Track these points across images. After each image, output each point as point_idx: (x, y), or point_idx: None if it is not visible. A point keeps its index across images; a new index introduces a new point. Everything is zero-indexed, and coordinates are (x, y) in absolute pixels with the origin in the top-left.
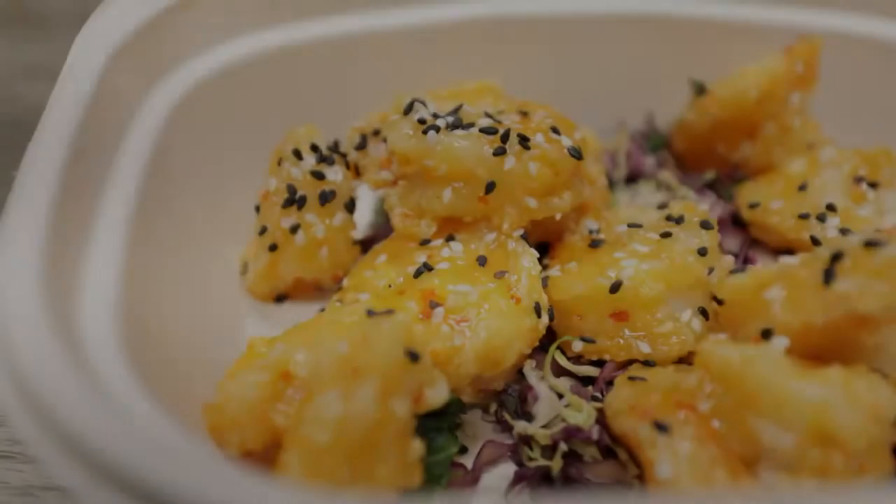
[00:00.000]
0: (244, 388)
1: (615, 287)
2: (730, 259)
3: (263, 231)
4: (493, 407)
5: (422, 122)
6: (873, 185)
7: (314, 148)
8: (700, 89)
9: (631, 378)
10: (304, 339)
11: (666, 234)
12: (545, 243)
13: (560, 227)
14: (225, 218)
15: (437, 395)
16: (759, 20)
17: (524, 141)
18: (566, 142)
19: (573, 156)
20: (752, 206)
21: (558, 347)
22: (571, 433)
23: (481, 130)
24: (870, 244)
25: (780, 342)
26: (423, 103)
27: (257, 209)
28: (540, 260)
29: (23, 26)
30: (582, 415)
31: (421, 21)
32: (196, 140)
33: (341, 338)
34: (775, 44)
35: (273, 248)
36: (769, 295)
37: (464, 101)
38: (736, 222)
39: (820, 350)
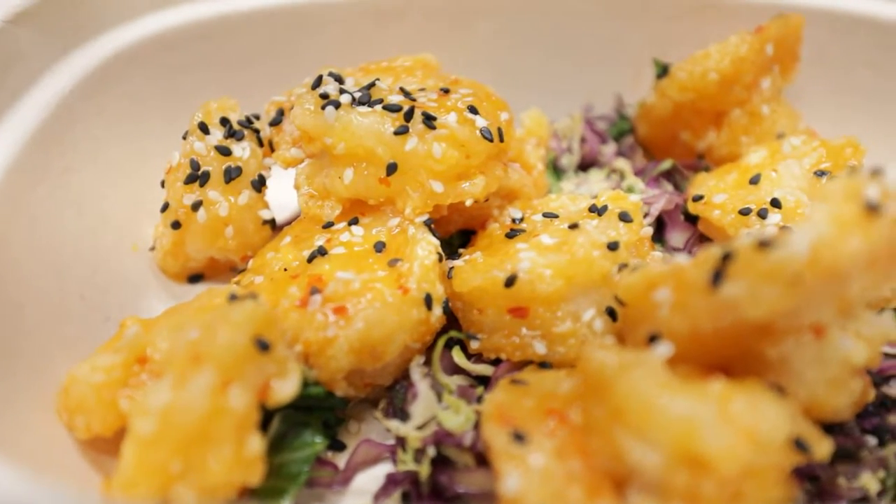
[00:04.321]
0: (92, 371)
1: (510, 281)
2: (657, 255)
3: (166, 207)
4: (383, 403)
5: (324, 97)
6: None
7: (224, 122)
8: (663, 70)
9: (513, 381)
10: (170, 321)
11: (573, 226)
12: (471, 231)
13: (485, 213)
14: (143, 192)
15: (285, 389)
16: None
17: (429, 120)
18: (480, 122)
19: (486, 138)
20: (696, 198)
21: (459, 343)
22: (442, 438)
23: (384, 107)
24: (762, 244)
25: (662, 349)
26: (338, 77)
27: (162, 184)
28: (462, 247)
29: None
30: (459, 418)
31: None
32: (113, 110)
33: (198, 323)
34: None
35: (176, 225)
36: (658, 297)
37: (392, 76)
38: (690, 216)
39: (721, 360)
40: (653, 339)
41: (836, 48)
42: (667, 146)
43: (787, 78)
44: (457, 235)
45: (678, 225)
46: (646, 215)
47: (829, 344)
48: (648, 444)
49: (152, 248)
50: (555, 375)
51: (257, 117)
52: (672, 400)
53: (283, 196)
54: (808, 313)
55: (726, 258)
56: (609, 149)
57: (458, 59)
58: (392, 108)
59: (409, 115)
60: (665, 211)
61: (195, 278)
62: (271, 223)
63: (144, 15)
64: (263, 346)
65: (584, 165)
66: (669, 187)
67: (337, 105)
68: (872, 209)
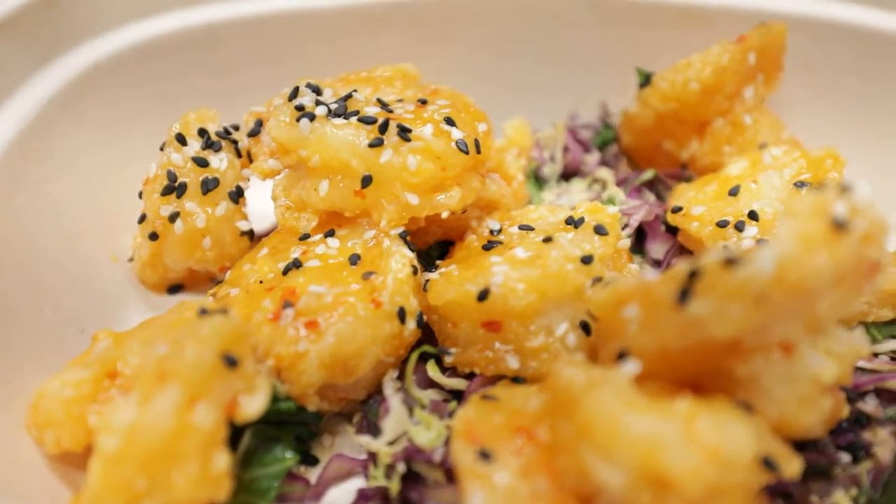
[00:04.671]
0: (61, 385)
1: (483, 294)
2: (634, 268)
3: (143, 219)
4: (357, 417)
5: (299, 108)
6: None
7: (202, 133)
8: (646, 79)
9: (484, 397)
10: (141, 336)
11: (547, 240)
12: (450, 242)
13: (463, 225)
14: (124, 201)
15: (253, 405)
16: (731, 4)
17: (404, 132)
18: (457, 134)
19: (461, 150)
20: (675, 210)
21: (434, 356)
22: (412, 454)
23: (360, 119)
24: (729, 262)
25: (629, 367)
26: (315, 88)
27: (140, 195)
28: (441, 258)
29: None
30: (430, 434)
31: (359, 1)
32: (94, 119)
33: (167, 338)
34: (743, 27)
35: (153, 236)
36: (627, 313)
37: (372, 86)
38: (671, 227)
39: (691, 377)
40: (622, 355)
41: (821, 56)
42: (650, 155)
43: (771, 87)
44: (435, 247)
45: (658, 236)
46: (625, 226)
47: (798, 361)
48: (613, 463)
49: (131, 259)
50: (526, 391)
51: (236, 128)
52: (636, 419)
53: (263, 205)
54: (776, 331)
55: (693, 275)
56: (592, 158)
57: (443, 66)
58: (367, 121)
59: (383, 128)
60: (645, 222)
61: (175, 289)
62: (249, 234)
63: (128, 23)
64: (231, 361)
65: (567, 175)
66: (651, 197)
67: (312, 117)
68: (840, 226)
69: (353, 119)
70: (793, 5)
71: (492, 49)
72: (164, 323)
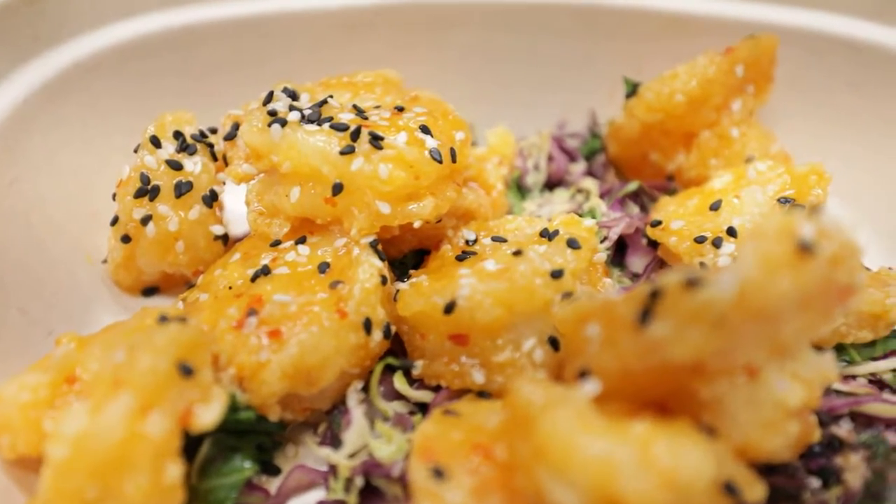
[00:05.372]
0: (19, 389)
1: (449, 307)
2: (609, 282)
3: (115, 221)
4: (322, 427)
5: (272, 114)
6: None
7: (177, 135)
8: (632, 89)
9: (446, 412)
10: (102, 341)
11: (517, 253)
12: (426, 251)
13: (439, 234)
14: (100, 202)
15: (208, 415)
16: (722, 13)
17: (376, 140)
18: (431, 143)
19: (435, 159)
20: (654, 224)
21: (401, 368)
22: (371, 467)
23: (332, 126)
24: (690, 283)
25: (589, 387)
26: (291, 93)
27: (114, 197)
28: (416, 267)
29: None
30: (390, 448)
31: (344, 4)
32: (71, 119)
33: (125, 344)
34: (737, 38)
35: (126, 239)
36: (589, 332)
37: (351, 91)
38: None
39: (656, 396)
40: (583, 374)
41: (813, 68)
42: (637, 166)
43: (761, 99)
44: (411, 255)
45: (639, 249)
46: (604, 239)
47: (763, 386)
48: (568, 485)
49: (105, 261)
50: (489, 407)
51: (214, 130)
52: (592, 441)
53: (242, 208)
54: (740, 354)
55: (655, 296)
56: (578, 168)
57: (428, 72)
58: (339, 128)
59: (355, 135)
60: (626, 235)
61: (149, 291)
62: (223, 238)
63: (109, 24)
64: (187, 370)
65: (552, 184)
66: (635, 209)
67: (283, 123)
68: (806, 249)
69: (326, 126)
70: (785, 16)
71: (479, 56)
72: (126, 328)
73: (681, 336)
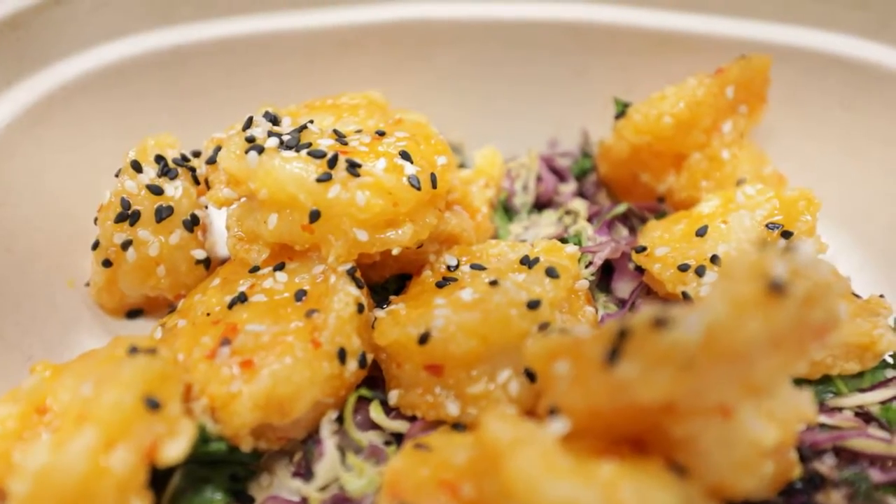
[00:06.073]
0: None
1: (424, 338)
2: (590, 311)
3: (97, 245)
4: (298, 456)
5: (250, 140)
6: (787, 235)
7: (158, 159)
8: (622, 110)
9: (417, 445)
10: (74, 371)
11: (493, 282)
12: (409, 276)
13: (422, 259)
14: (84, 226)
15: (174, 449)
16: (716, 31)
17: (353, 167)
18: (410, 169)
19: (413, 186)
20: (639, 250)
21: (373, 400)
22: (339, 501)
23: (309, 153)
24: (658, 323)
25: (557, 426)
26: (273, 118)
27: (95, 221)
28: (398, 293)
29: None
30: (361, 481)
31: (332, 24)
32: (56, 142)
33: (94, 376)
34: (732, 56)
35: (107, 263)
36: (558, 369)
37: (335, 114)
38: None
39: (629, 434)
40: (553, 411)
41: (809, 88)
42: (628, 187)
43: (754, 120)
44: (393, 280)
45: (626, 274)
46: (589, 264)
47: (737, 425)
48: None
49: (87, 284)
50: (461, 441)
51: (198, 154)
52: (557, 484)
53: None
54: (711, 395)
55: (623, 335)
56: (568, 188)
57: (419, 91)
58: (317, 154)
59: (332, 162)
60: (613, 259)
61: (134, 313)
62: (205, 262)
63: (95, 46)
64: (153, 404)
65: (541, 205)
66: (624, 232)
67: (260, 150)
68: (777, 289)
69: (304, 152)
70: (780, 35)
71: (470, 74)
72: (98, 358)
73: (649, 377)
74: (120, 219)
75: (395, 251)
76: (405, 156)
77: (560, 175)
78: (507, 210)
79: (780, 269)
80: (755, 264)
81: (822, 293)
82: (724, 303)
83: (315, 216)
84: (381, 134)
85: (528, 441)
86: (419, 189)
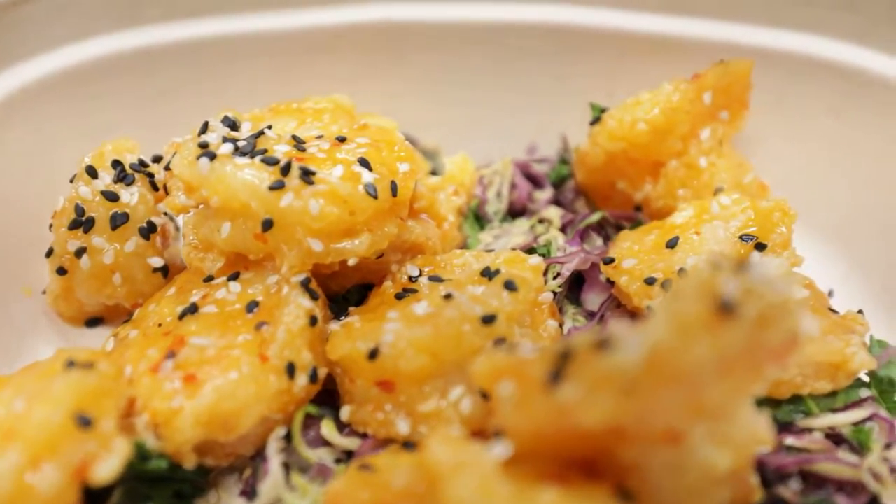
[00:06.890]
0: None
1: (373, 353)
2: (552, 325)
3: (50, 252)
4: (247, 473)
5: (203, 146)
6: (761, 247)
7: (115, 164)
8: (598, 115)
9: (362, 466)
10: (16, 384)
11: (447, 296)
12: (371, 286)
13: (384, 269)
14: (43, 232)
15: (106, 468)
16: (701, 35)
17: (307, 175)
18: (367, 177)
19: (370, 194)
20: (607, 261)
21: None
22: None
23: (263, 160)
24: (600, 345)
25: (498, 449)
26: (231, 123)
27: (50, 228)
28: (359, 303)
29: None
30: (304, 502)
31: (304, 26)
32: (15, 146)
33: (28, 391)
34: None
35: (61, 271)
36: (503, 389)
37: (298, 118)
38: None
39: (579, 458)
40: (498, 433)
41: (794, 94)
42: (606, 194)
43: (735, 126)
44: (354, 290)
45: (596, 285)
46: (557, 275)
47: (687, 451)
48: None
49: (44, 292)
50: (407, 462)
51: (159, 158)
52: None
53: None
54: (658, 419)
55: (565, 357)
56: (544, 195)
57: (393, 94)
58: (270, 161)
59: (286, 170)
60: (583, 270)
61: (93, 322)
62: (162, 270)
63: (59, 47)
64: (85, 422)
65: (515, 212)
66: (598, 241)
67: (212, 156)
68: (727, 310)
69: (257, 159)
70: (765, 38)
71: (446, 78)
72: (38, 371)
73: (591, 400)
74: (74, 225)
75: (351, 261)
76: (364, 163)
77: (536, 182)
78: (478, 218)
79: (731, 288)
80: (704, 283)
81: (777, 313)
82: (669, 324)
83: (268, 225)
84: (342, 140)
85: (469, 465)
86: (376, 197)
